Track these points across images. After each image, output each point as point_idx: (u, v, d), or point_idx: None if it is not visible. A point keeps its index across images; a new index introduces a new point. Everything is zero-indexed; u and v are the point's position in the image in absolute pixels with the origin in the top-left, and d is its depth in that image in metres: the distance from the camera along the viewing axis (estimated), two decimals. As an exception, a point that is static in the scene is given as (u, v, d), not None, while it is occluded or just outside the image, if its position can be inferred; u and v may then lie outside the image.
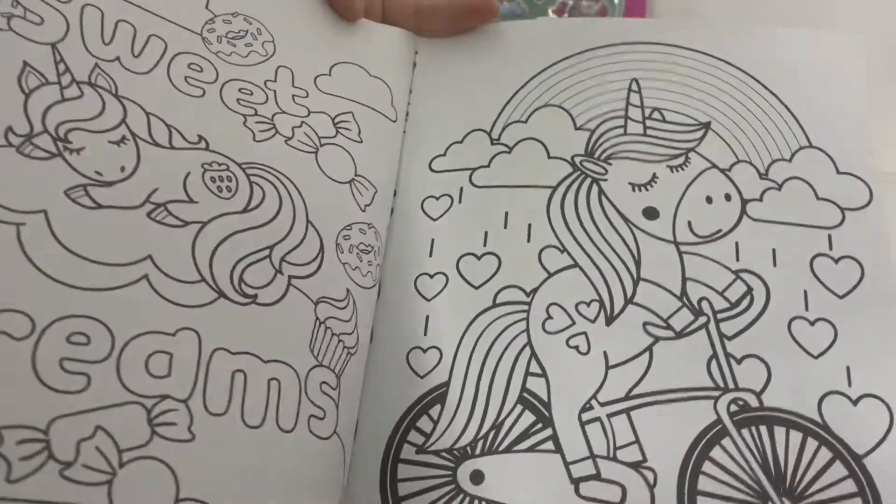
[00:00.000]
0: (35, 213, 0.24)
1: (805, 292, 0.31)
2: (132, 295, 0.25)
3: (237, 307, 0.27)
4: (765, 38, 0.37)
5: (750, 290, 0.31)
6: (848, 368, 0.30)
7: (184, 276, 0.26)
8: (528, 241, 0.33)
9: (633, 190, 0.34)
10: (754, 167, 0.34)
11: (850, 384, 0.29)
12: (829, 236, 0.32)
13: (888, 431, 0.28)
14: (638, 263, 0.32)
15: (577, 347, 0.31)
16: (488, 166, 0.36)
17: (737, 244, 0.32)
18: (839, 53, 0.36)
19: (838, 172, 0.34)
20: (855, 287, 0.31)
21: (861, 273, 0.31)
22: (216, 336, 0.26)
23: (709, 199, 0.33)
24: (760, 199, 0.33)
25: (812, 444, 0.29)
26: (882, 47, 0.38)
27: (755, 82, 0.36)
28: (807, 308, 0.31)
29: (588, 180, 0.34)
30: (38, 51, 0.26)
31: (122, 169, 0.27)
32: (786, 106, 0.35)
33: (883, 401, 0.29)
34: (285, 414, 0.27)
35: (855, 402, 0.29)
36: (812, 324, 0.31)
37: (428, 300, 0.33)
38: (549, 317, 0.32)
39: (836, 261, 0.32)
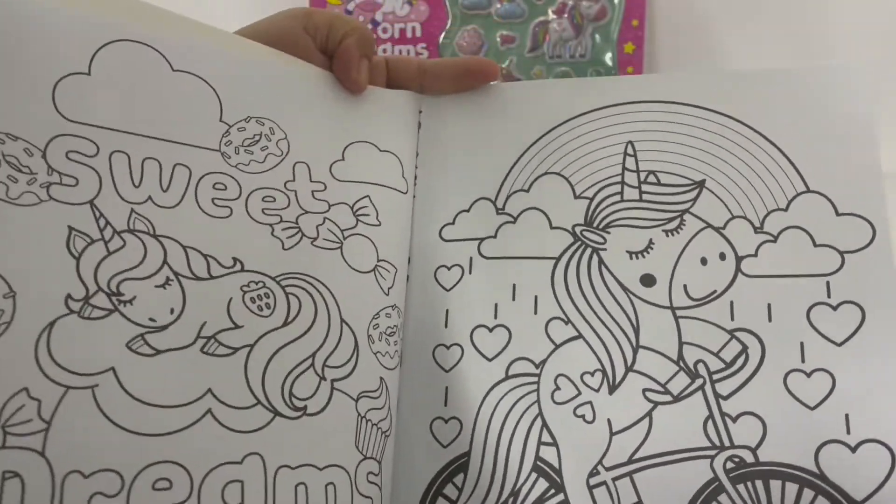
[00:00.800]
0: (105, 372, 0.27)
1: (802, 344, 0.33)
2: (201, 431, 0.28)
3: (291, 422, 0.30)
4: (758, 82, 0.37)
5: (745, 348, 0.33)
6: (847, 416, 0.31)
7: (241, 402, 0.29)
8: (535, 313, 0.36)
9: (631, 258, 0.36)
10: (749, 221, 0.35)
11: (848, 431, 0.31)
12: (828, 283, 0.33)
13: (889, 475, 0.30)
14: (637, 331, 0.35)
15: (583, 417, 0.34)
16: (495, 237, 0.38)
17: (731, 303, 0.34)
18: (839, 87, 0.36)
19: (838, 214, 0.34)
20: (855, 332, 0.32)
21: (862, 317, 0.32)
22: (277, 455, 0.29)
23: (703, 261, 0.35)
24: (755, 255, 0.34)
25: (808, 494, 0.31)
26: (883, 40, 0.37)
27: (750, 131, 0.36)
28: (803, 360, 0.32)
29: (588, 250, 0.37)
30: (78, 212, 0.28)
31: (172, 311, 0.29)
32: (782, 151, 0.36)
33: (884, 444, 0.31)
34: None
35: (854, 449, 0.31)
36: (809, 375, 0.32)
37: (446, 371, 0.36)
38: (558, 388, 0.35)
39: (835, 307, 0.33)
